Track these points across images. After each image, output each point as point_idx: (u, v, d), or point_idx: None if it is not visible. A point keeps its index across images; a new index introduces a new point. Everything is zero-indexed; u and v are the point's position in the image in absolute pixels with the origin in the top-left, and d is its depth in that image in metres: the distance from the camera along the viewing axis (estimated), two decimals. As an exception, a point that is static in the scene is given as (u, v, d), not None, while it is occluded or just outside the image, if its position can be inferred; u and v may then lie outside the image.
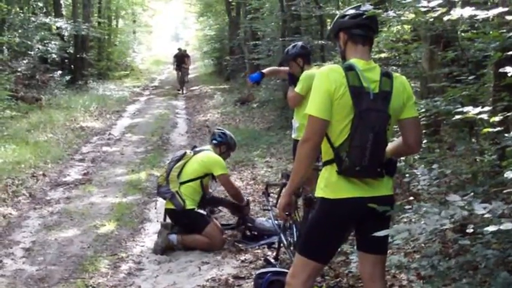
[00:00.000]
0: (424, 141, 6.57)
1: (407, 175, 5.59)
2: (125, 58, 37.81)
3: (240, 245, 6.65)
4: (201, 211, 6.73)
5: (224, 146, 7.14)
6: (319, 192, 3.67)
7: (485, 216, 2.86)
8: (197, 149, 7.06)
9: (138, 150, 12.71)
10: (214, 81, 28.25)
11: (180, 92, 25.20)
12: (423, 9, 4.08)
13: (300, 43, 7.06)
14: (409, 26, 8.22)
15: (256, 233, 6.89)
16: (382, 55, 8.83)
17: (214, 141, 7.10)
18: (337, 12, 4.75)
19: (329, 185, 3.60)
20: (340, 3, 13.79)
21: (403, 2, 4.83)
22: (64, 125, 15.31)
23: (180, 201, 6.52)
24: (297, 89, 6.52)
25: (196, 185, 6.67)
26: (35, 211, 8.25)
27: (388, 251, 4.18)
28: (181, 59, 26.24)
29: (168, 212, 6.72)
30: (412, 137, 3.70)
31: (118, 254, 6.57)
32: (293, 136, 6.83)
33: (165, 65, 43.45)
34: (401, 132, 3.73)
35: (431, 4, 3.82)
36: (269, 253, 6.28)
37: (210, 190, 7.40)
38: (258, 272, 5.12)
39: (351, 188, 3.54)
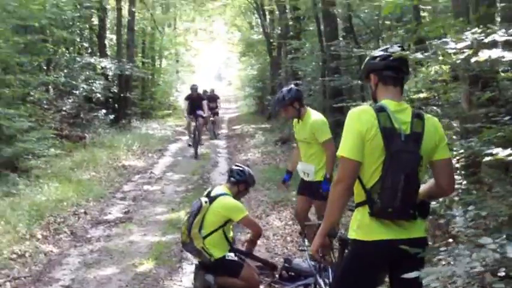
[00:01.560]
0: (464, 182, 6.52)
1: (443, 217, 5.52)
2: (168, 97, 38.30)
3: (277, 286, 6.63)
4: (232, 256, 6.55)
5: (243, 184, 6.81)
6: (351, 234, 3.68)
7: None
8: (212, 195, 6.64)
9: (178, 189, 12.79)
10: (255, 120, 28.39)
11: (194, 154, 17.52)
12: (450, 51, 4.08)
13: (294, 87, 7.11)
14: (447, 66, 8.20)
15: (293, 274, 6.83)
16: (421, 95, 8.81)
17: (232, 179, 6.80)
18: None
19: (361, 226, 3.61)
20: (380, 42, 13.79)
21: (433, 43, 4.83)
22: (107, 163, 15.53)
23: (207, 256, 6.34)
24: (327, 136, 6.74)
25: (220, 234, 6.46)
26: (75, 249, 8.37)
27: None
28: (210, 100, 21.91)
29: (199, 262, 6.56)
30: (445, 179, 3.68)
31: (155, 293, 6.61)
32: (308, 179, 6.91)
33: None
34: (433, 174, 3.72)
35: (459, 46, 3.83)
36: (306, 294, 6.25)
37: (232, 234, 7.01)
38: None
39: (383, 230, 3.54)
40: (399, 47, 3.78)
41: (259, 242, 7.93)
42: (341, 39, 14.93)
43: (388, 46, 3.85)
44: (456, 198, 6.22)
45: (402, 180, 3.42)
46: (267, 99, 27.90)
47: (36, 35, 16.98)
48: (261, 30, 29.44)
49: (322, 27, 16.91)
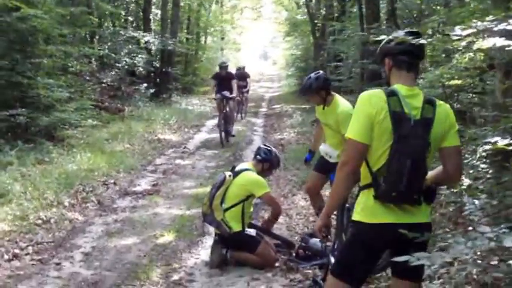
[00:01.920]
0: (490, 171, 6.44)
1: (453, 204, 5.49)
2: (211, 74, 38.34)
3: (292, 264, 6.63)
4: (250, 231, 6.67)
5: (268, 163, 6.95)
6: (355, 216, 3.70)
7: (513, 249, 2.82)
8: (236, 170, 6.85)
9: (209, 164, 12.90)
10: (295, 100, 28.27)
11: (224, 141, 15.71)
12: (455, 38, 4.03)
13: (322, 75, 7.00)
14: (482, 54, 8.09)
15: (309, 253, 6.86)
16: (455, 82, 8.69)
17: (258, 157, 6.95)
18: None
19: (365, 208, 3.62)
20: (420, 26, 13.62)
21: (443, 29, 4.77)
22: (142, 136, 15.77)
23: (226, 228, 6.46)
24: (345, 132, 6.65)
25: (240, 208, 6.57)
26: (100, 218, 8.53)
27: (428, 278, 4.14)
28: (240, 78, 20.56)
29: (218, 235, 6.70)
30: (453, 166, 3.66)
31: (172, 264, 6.70)
32: (332, 160, 6.87)
33: (251, 82, 43.84)
34: (441, 160, 3.70)
35: (464, 33, 3.78)
36: (319, 274, 6.24)
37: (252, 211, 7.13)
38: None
39: (386, 213, 3.55)
40: (415, 33, 3.75)
41: (281, 220, 8.02)
42: (384, 22, 14.79)
43: (406, 30, 3.82)
44: (481, 187, 6.18)
45: (409, 164, 3.42)
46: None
47: (80, 7, 17.26)
48: (306, 10, 29.26)
49: (364, 9, 16.74)
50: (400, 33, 3.76)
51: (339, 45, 20.28)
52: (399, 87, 3.61)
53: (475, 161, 6.60)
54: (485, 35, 3.89)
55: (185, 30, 32.77)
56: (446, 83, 8.56)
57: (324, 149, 7.08)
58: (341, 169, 3.61)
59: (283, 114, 23.30)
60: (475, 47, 3.85)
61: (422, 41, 3.60)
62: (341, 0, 22.57)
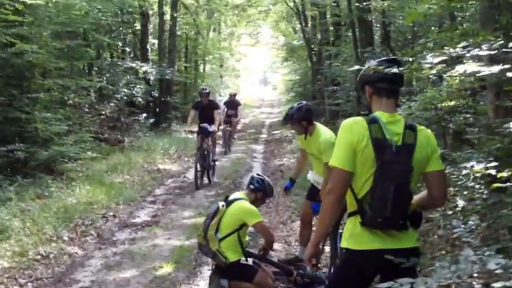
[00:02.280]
0: (485, 191, 6.45)
1: (446, 226, 5.50)
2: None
3: (290, 292, 6.66)
4: (247, 261, 6.63)
5: (260, 192, 6.91)
6: (343, 243, 3.74)
7: (497, 272, 2.84)
8: (230, 199, 6.81)
9: (209, 193, 12.90)
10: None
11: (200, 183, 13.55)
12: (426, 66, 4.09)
13: (304, 105, 7.21)
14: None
15: (308, 280, 6.86)
16: (447, 103, 8.74)
17: (251, 187, 6.92)
18: (410, 59, 4.80)
19: (353, 235, 3.66)
20: (413, 48, 13.73)
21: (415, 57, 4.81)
22: (142, 167, 15.79)
23: (222, 258, 6.43)
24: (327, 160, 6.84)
25: (235, 237, 6.55)
26: (99, 251, 8.56)
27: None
28: (230, 106, 19.85)
29: (215, 265, 6.67)
30: (437, 190, 3.71)
31: (171, 296, 6.72)
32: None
33: (250, 109, 43.95)
34: (426, 185, 3.75)
35: (435, 61, 3.84)
36: (318, 301, 6.28)
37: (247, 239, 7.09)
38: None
39: (373, 239, 3.59)
40: (392, 60, 3.82)
41: (280, 247, 8.05)
42: (378, 45, 14.89)
43: (384, 58, 3.88)
44: (476, 208, 6.19)
45: (392, 190, 3.46)
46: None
47: (77, 40, 17.40)
48: (302, 35, 29.44)
49: (358, 33, 16.88)
50: (373, 63, 3.82)
51: (335, 70, 20.37)
52: (380, 114, 3.67)
53: (469, 182, 6.62)
54: (458, 61, 3.96)
55: (183, 59, 32.89)
56: (439, 105, 8.62)
57: (311, 176, 7.26)
58: (326, 197, 3.65)
59: (283, 140, 23.35)
60: (447, 74, 3.91)
61: (395, 70, 3.66)
62: (336, 25, 22.69)
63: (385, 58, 3.86)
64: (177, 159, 18.34)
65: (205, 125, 13.78)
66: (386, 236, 3.57)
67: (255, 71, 74.41)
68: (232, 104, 20.27)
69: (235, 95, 21.15)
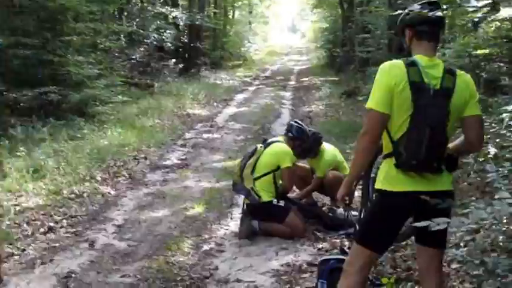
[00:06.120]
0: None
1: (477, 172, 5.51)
2: (239, 48, 38.35)
3: (319, 234, 6.75)
4: (279, 202, 6.72)
5: (299, 141, 6.97)
6: (377, 184, 3.76)
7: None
8: (268, 141, 6.93)
9: (238, 138, 13.01)
10: (324, 73, 28.16)
11: None
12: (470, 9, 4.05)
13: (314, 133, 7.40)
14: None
15: (337, 223, 6.93)
16: (480, 51, 8.63)
17: (290, 134, 6.98)
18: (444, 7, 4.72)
19: (387, 177, 3.68)
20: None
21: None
22: (172, 111, 15.93)
23: (256, 197, 6.54)
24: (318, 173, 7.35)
25: (270, 178, 6.64)
26: (131, 191, 8.70)
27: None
28: None
29: (247, 205, 6.77)
30: (474, 135, 3.71)
31: (202, 235, 6.84)
32: None
33: (279, 56, 43.82)
34: (463, 129, 3.75)
35: (480, 4, 3.80)
36: (346, 243, 6.35)
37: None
38: (322, 258, 5.22)
39: (408, 181, 3.61)
40: (433, 3, 3.78)
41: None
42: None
43: (425, 1, 3.84)
44: (508, 155, 6.18)
45: (428, 134, 3.48)
46: (336, 52, 27.71)
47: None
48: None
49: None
50: (415, 7, 3.80)
51: (366, 17, 20.13)
52: (419, 58, 3.64)
53: (501, 130, 6.60)
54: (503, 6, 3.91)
55: (212, 5, 32.71)
56: (473, 52, 8.53)
57: None
58: (362, 139, 3.67)
59: (311, 87, 23.31)
60: (491, 18, 3.87)
61: (439, 13, 3.63)
62: (369, -30, 22.31)
63: (426, 1, 3.82)
64: (206, 104, 18.47)
65: None
66: (422, 178, 3.59)
67: (284, 18, 73.68)
68: None
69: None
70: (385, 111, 3.59)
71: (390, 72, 3.61)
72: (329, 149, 7.52)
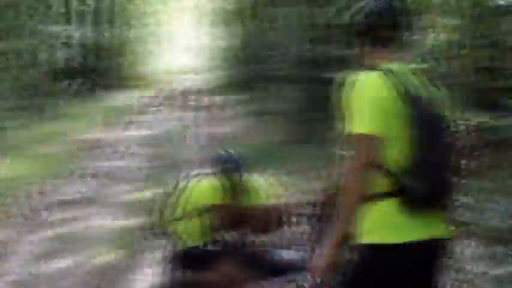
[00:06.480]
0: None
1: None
2: (137, 68, 37.84)
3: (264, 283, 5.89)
4: (207, 246, 5.86)
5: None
6: (369, 237, 2.75)
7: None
8: (192, 174, 6.04)
9: (143, 165, 12.08)
10: (226, 91, 27.92)
11: None
12: None
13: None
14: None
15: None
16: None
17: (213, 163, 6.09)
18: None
19: (387, 225, 2.73)
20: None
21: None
22: (67, 136, 15.05)
23: (179, 242, 5.72)
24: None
25: (197, 219, 5.71)
26: (26, 236, 7.62)
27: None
28: None
29: (168, 251, 5.91)
30: None
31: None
32: None
33: (178, 75, 43.71)
34: None
35: None
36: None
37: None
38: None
39: (417, 227, 2.73)
40: None
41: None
42: None
43: None
44: None
45: (441, 154, 2.76)
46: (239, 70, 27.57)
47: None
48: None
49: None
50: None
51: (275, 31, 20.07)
52: (393, 66, 2.83)
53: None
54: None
55: (108, 24, 32.08)
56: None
57: None
58: (353, 175, 2.72)
59: (214, 107, 22.93)
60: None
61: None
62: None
63: None
64: (105, 127, 17.48)
65: None
66: (431, 219, 2.74)
67: (180, 38, 74.17)
68: None
69: None
70: (382, 133, 2.68)
71: (375, 84, 2.74)
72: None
